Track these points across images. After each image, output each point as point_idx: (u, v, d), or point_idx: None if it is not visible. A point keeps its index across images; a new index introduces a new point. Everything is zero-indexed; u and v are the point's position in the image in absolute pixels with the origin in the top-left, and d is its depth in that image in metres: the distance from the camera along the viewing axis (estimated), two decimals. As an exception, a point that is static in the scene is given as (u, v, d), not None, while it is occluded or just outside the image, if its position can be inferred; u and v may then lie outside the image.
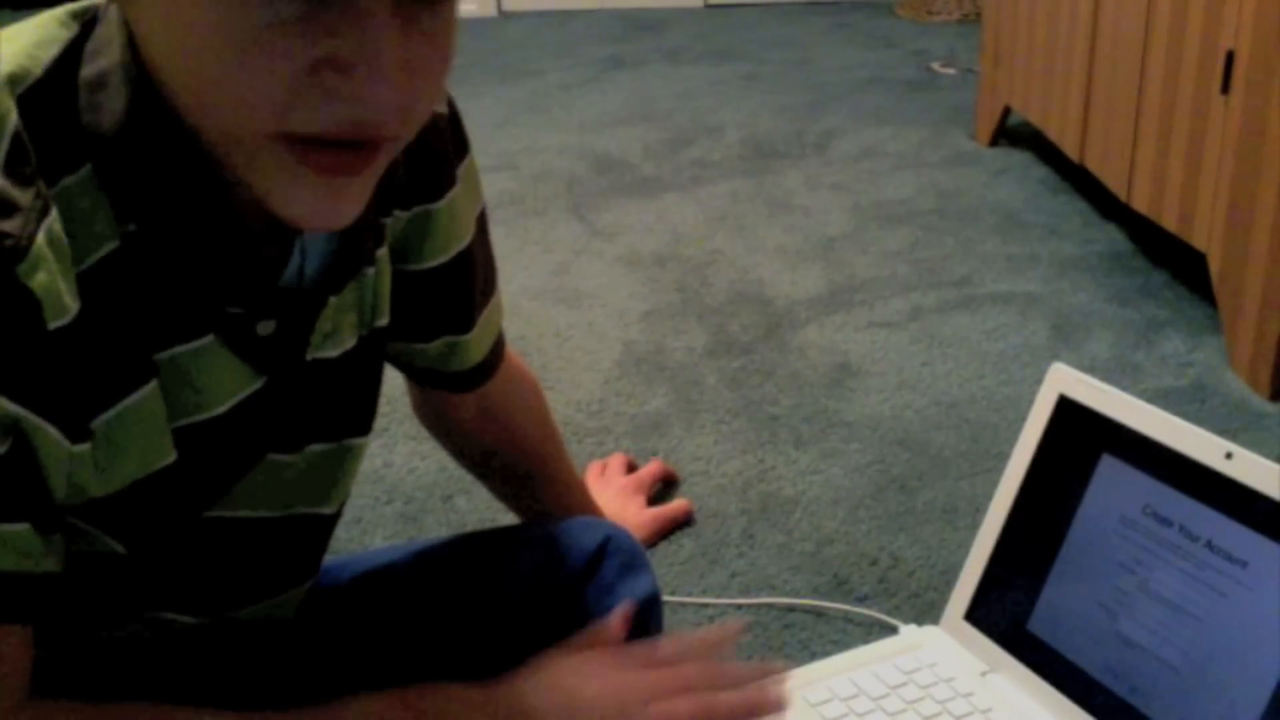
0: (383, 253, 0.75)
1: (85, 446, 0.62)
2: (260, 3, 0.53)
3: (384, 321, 0.77)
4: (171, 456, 0.66)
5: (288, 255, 0.67)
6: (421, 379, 0.91)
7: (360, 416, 0.78)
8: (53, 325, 0.57)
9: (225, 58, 0.54)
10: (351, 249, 0.71)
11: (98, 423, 0.62)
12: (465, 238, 0.82)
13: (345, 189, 0.59)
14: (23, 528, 0.59)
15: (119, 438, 0.63)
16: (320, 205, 0.59)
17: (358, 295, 0.73)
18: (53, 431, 0.59)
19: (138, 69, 0.60)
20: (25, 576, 0.60)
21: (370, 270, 0.74)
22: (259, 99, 0.55)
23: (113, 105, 0.60)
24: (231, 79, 0.55)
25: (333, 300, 0.71)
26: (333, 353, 0.73)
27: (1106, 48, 2.00)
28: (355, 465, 0.80)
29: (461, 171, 0.80)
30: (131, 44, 0.60)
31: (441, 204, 0.79)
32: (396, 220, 0.77)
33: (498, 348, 0.92)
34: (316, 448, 0.75)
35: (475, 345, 0.88)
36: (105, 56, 0.60)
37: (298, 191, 0.58)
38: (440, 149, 0.77)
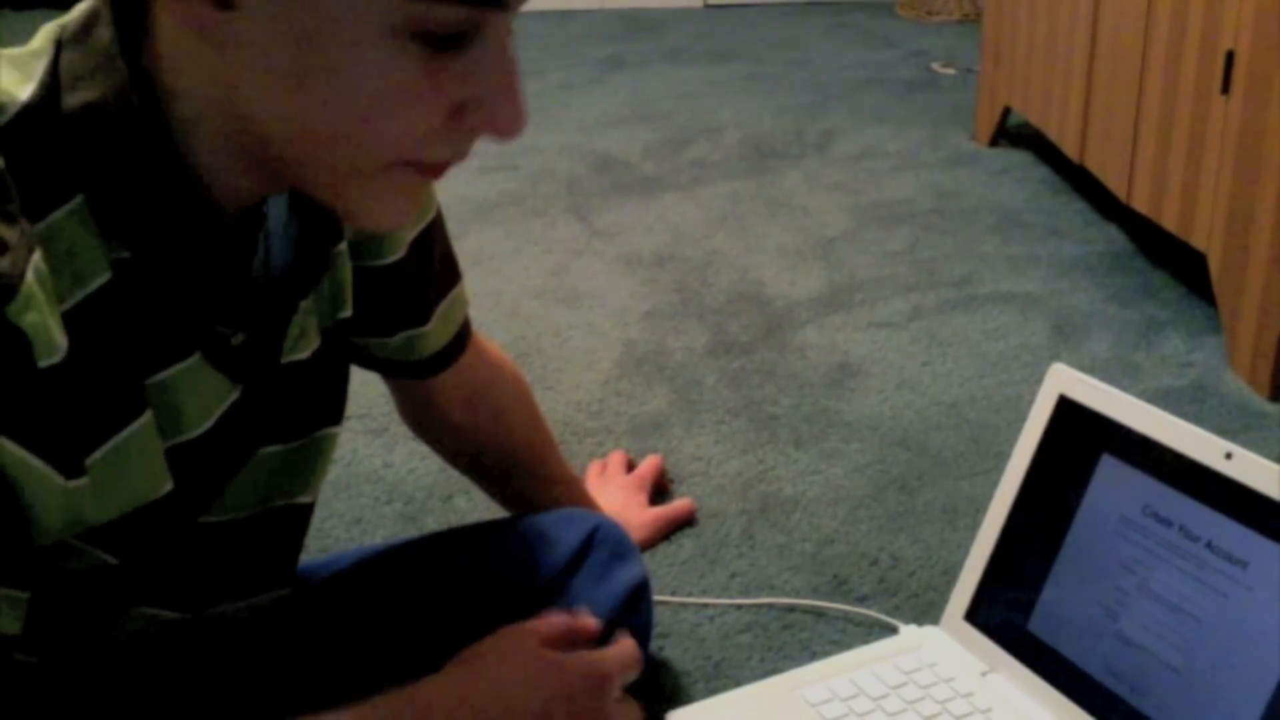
0: (342, 247, 0.77)
1: (82, 481, 0.61)
2: (395, 59, 0.54)
3: (347, 313, 0.78)
4: (168, 485, 0.66)
5: (254, 250, 0.68)
6: (383, 369, 0.92)
7: (332, 408, 0.79)
8: (43, 364, 0.56)
9: (361, 111, 0.56)
10: (315, 249, 0.72)
11: (94, 458, 0.61)
12: (418, 228, 0.85)
13: (424, 191, 0.63)
14: None
15: (116, 471, 0.63)
16: (407, 211, 0.63)
17: (317, 294, 0.75)
18: (44, 468, 0.58)
19: (142, 98, 0.59)
20: None
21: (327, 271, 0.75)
22: (397, 144, 0.57)
23: (108, 136, 0.59)
24: (369, 129, 0.56)
25: (302, 305, 0.71)
26: (304, 354, 0.74)
27: (1106, 48, 2.00)
28: (330, 453, 0.81)
29: None
30: (134, 73, 0.59)
31: None
32: None
33: (460, 335, 0.94)
34: (293, 444, 0.76)
35: (434, 335, 0.90)
36: (92, 86, 0.59)
37: (397, 203, 0.61)
38: None
